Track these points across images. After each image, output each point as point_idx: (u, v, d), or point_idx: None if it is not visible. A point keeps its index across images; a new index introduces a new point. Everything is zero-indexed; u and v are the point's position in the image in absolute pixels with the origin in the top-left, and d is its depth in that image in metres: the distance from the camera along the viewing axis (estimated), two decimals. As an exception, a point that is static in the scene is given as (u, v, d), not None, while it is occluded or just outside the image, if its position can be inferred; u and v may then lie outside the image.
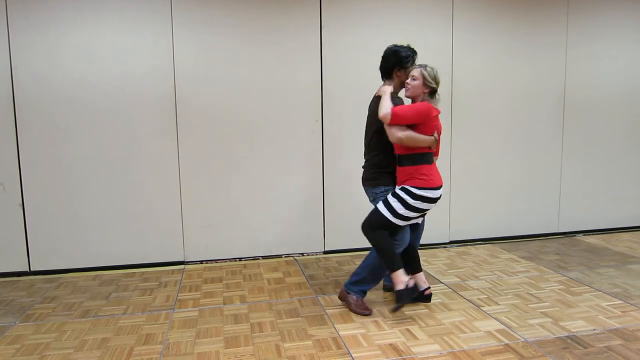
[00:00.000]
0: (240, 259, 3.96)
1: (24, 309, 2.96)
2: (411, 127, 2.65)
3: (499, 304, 2.93)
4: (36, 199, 3.57)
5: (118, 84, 3.60)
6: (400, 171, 2.72)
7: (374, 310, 2.84)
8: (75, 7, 3.49)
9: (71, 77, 3.53)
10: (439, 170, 2.78)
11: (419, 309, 2.87)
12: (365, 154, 2.92)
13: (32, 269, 3.62)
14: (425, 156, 2.69)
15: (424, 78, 2.67)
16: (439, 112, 2.70)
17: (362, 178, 2.91)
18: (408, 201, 2.64)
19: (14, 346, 2.46)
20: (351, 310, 2.84)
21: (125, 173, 3.67)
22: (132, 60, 3.61)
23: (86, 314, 2.87)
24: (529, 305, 2.91)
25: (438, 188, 2.68)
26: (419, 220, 2.92)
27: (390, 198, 2.68)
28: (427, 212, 2.76)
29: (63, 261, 3.65)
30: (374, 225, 2.73)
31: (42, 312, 2.92)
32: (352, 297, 2.85)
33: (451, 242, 4.34)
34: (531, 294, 3.09)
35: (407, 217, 2.68)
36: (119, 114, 3.62)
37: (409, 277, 2.74)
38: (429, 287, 2.98)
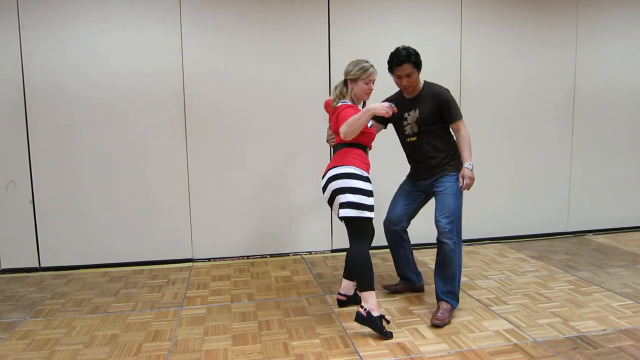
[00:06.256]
0: (247, 257, 3.97)
1: (34, 305, 2.99)
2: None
3: (508, 304, 2.92)
4: (46, 196, 3.60)
5: (127, 83, 3.62)
6: None
7: (382, 309, 2.83)
8: (84, 5, 3.51)
9: (80, 75, 3.55)
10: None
11: (428, 307, 2.86)
12: None
13: (42, 265, 3.66)
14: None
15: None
16: (327, 103, 2.74)
17: None
18: None
19: (24, 341, 2.49)
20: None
21: (134, 171, 3.70)
22: (141, 58, 3.62)
23: (95, 310, 2.89)
24: (538, 305, 2.89)
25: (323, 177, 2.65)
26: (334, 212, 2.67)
27: None
28: (333, 204, 2.61)
29: (73, 257, 3.68)
30: None
31: (52, 307, 2.94)
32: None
33: (459, 241, 4.31)
34: (540, 294, 3.07)
35: None
36: (128, 112, 3.64)
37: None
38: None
